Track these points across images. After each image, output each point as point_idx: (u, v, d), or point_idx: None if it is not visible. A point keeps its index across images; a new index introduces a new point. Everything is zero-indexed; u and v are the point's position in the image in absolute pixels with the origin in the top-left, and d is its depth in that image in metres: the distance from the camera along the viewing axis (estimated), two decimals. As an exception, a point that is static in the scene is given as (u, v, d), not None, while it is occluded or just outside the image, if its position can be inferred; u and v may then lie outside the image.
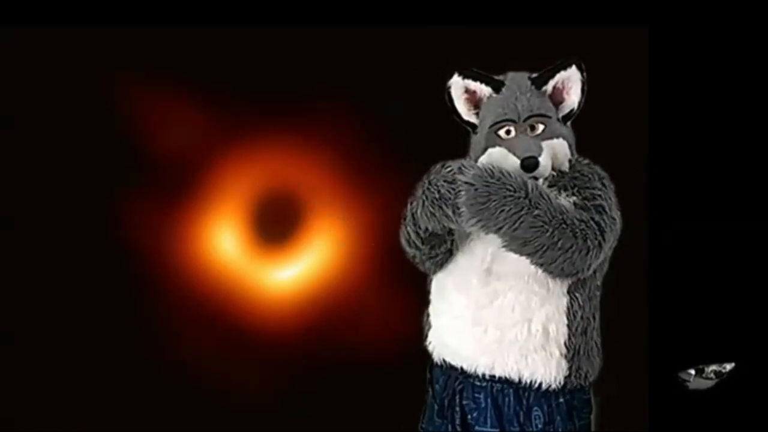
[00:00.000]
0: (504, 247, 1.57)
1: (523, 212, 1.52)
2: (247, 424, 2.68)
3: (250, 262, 2.80)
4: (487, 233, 1.57)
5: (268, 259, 2.80)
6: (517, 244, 1.56)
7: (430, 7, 2.46)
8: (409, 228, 1.71)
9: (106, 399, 2.63)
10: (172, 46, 2.57)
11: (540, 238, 1.54)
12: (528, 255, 1.58)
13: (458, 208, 1.53)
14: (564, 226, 1.54)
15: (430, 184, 1.62)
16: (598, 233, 1.59)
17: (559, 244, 1.54)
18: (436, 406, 1.79)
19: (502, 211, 1.51)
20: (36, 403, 2.61)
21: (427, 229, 1.66)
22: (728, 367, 2.01)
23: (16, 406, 2.60)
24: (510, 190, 1.52)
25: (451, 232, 1.71)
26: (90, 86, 2.61)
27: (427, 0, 2.49)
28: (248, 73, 2.63)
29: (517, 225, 1.52)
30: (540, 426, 1.66)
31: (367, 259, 2.73)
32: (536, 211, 1.52)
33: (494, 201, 1.51)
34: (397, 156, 2.54)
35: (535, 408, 1.66)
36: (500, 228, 1.53)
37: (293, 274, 2.81)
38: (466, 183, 1.52)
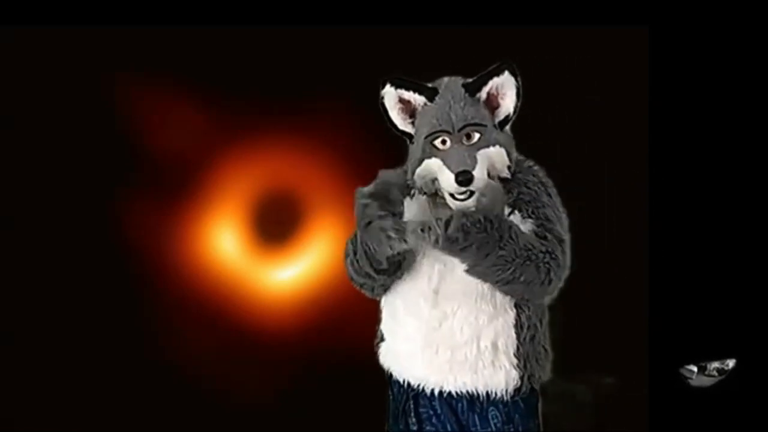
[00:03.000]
0: (466, 272, 1.58)
1: (489, 251, 1.52)
2: (247, 424, 2.68)
3: (250, 262, 2.80)
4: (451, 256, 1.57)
5: (268, 259, 2.80)
6: (478, 275, 1.58)
7: (430, 7, 2.46)
8: (361, 262, 1.68)
9: (106, 399, 2.63)
10: (172, 46, 2.57)
11: (502, 274, 1.55)
12: (491, 284, 1.59)
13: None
14: (528, 262, 1.56)
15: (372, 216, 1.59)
16: (561, 260, 1.61)
17: (522, 278, 1.56)
18: (397, 412, 1.78)
19: (469, 247, 1.51)
20: (36, 403, 2.61)
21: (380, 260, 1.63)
22: (730, 363, 2.01)
23: (16, 406, 2.60)
24: (481, 229, 1.51)
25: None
26: (90, 86, 2.61)
27: (428, 0, 2.49)
28: (248, 73, 2.63)
29: (480, 261, 1.54)
30: (499, 425, 1.67)
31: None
32: (501, 252, 1.53)
33: (464, 238, 1.50)
34: (397, 156, 2.54)
35: (491, 408, 1.66)
36: (464, 260, 1.55)
37: (293, 274, 2.81)
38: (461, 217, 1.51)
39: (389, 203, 1.62)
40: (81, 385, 2.63)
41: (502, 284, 1.57)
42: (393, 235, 1.54)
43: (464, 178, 1.58)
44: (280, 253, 2.79)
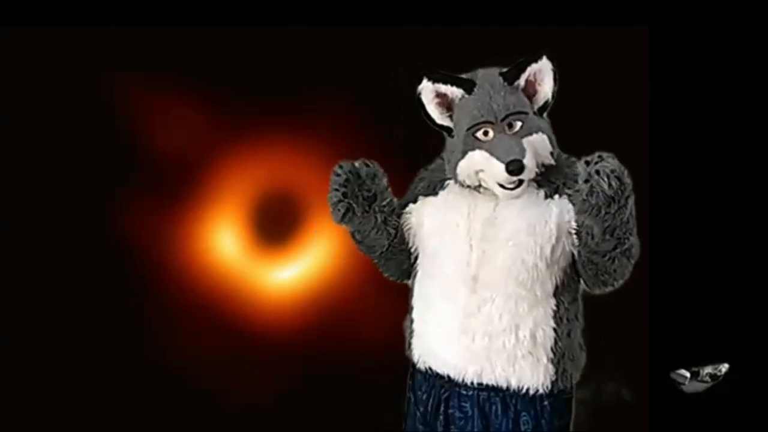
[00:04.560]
0: (610, 260, 1.57)
1: (633, 221, 1.54)
2: (247, 424, 2.68)
3: (250, 262, 2.80)
4: (602, 239, 1.53)
5: (268, 259, 2.80)
6: (627, 255, 1.57)
7: (431, 7, 2.46)
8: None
9: (106, 399, 2.63)
10: (172, 46, 2.57)
11: (636, 248, 1.59)
12: (620, 265, 1.59)
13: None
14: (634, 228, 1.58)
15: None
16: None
17: (633, 253, 1.60)
18: (418, 414, 1.77)
19: (629, 217, 1.51)
20: (36, 403, 2.61)
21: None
22: (723, 369, 2.00)
23: (16, 406, 2.60)
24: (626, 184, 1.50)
25: (388, 243, 1.75)
26: (90, 86, 2.61)
27: (427, 1, 2.49)
28: (248, 73, 2.63)
29: (632, 233, 1.55)
30: (529, 430, 1.65)
31: (367, 259, 2.73)
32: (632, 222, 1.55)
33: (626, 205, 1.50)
34: (396, 156, 2.54)
35: (524, 413, 1.65)
36: (626, 233, 1.53)
37: (293, 274, 2.81)
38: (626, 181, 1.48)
39: (365, 183, 1.68)
40: (81, 385, 2.63)
41: (630, 251, 1.57)
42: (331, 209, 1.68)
43: (515, 167, 1.56)
44: (280, 253, 2.79)
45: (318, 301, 2.76)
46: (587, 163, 1.48)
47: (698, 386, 2.00)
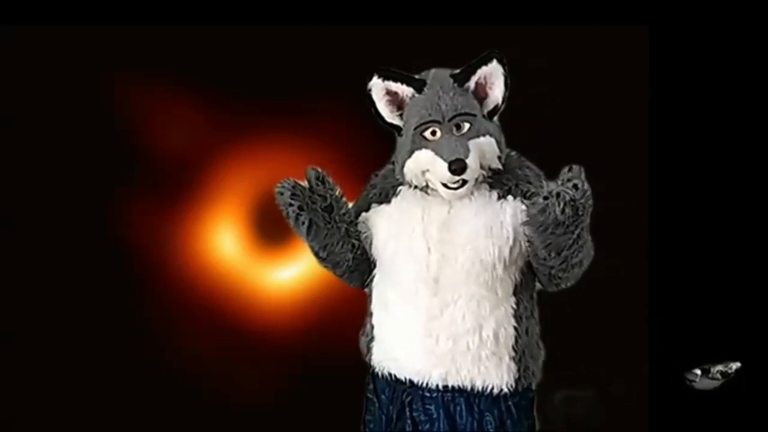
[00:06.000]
0: (560, 271, 1.59)
1: (582, 243, 1.55)
2: (247, 424, 2.68)
3: (250, 262, 2.80)
4: (547, 255, 1.55)
5: (268, 259, 2.80)
6: (578, 266, 1.60)
7: (430, 6, 2.46)
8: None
9: (106, 399, 2.63)
10: (172, 46, 2.57)
11: (587, 259, 1.61)
12: (572, 275, 1.62)
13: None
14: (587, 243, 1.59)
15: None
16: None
17: (585, 264, 1.62)
18: (383, 417, 1.76)
19: (574, 238, 1.51)
20: (36, 403, 2.61)
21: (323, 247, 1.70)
22: (734, 366, 2.01)
23: (16, 406, 2.60)
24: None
25: (352, 256, 1.73)
26: (90, 86, 2.61)
27: (428, 0, 2.49)
28: (248, 73, 2.63)
29: (581, 251, 1.56)
30: (492, 431, 1.66)
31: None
32: (586, 235, 1.56)
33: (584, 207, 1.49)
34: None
35: (487, 414, 1.65)
36: (573, 253, 1.54)
37: (293, 274, 2.81)
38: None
39: (316, 189, 1.67)
40: (81, 385, 2.63)
41: (581, 263, 1.60)
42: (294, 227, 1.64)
43: (458, 166, 1.57)
44: (280, 253, 2.79)
45: (318, 301, 2.76)
46: (561, 178, 1.49)
47: (709, 383, 2.01)
